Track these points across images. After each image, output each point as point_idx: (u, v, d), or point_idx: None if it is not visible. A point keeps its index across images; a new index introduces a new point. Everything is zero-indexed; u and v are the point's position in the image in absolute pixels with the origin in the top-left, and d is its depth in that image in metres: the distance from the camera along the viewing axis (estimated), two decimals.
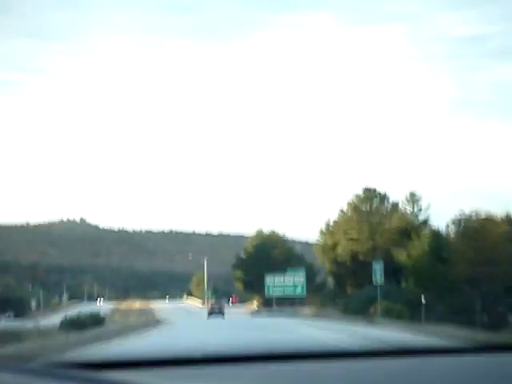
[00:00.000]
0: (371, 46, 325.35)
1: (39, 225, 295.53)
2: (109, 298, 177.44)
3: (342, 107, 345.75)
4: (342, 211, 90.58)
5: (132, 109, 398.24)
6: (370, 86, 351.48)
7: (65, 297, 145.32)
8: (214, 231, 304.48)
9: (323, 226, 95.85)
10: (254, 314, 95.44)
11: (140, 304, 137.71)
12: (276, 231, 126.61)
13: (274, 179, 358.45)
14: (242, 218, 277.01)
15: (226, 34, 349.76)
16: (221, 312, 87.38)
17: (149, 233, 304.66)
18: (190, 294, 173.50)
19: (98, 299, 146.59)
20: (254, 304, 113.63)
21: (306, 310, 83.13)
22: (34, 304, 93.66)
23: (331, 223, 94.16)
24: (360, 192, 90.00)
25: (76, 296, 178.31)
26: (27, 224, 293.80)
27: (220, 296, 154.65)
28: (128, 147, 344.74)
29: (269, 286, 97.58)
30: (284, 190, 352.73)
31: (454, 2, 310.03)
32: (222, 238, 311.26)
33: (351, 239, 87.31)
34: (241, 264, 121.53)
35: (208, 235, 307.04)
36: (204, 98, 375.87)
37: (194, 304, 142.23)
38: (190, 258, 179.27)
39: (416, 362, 3.37)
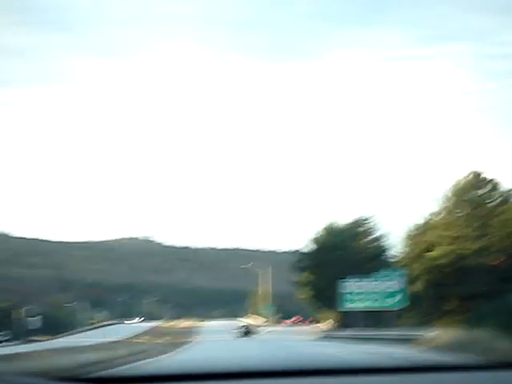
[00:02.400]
0: (435, 65, 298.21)
1: (102, 242, 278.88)
2: (168, 317, 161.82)
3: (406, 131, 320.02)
4: (440, 201, 65.49)
5: (198, 128, 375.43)
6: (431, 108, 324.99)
7: (103, 315, 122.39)
8: (280, 249, 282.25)
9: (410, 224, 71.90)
10: (321, 337, 72.30)
11: (189, 323, 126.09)
12: (364, 216, 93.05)
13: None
14: (310, 234, 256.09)
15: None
16: (249, 332, 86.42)
17: (213, 250, 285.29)
18: (253, 311, 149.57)
19: (135, 318, 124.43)
20: (325, 323, 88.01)
21: (427, 333, 45.41)
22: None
23: (424, 218, 69.10)
24: (465, 177, 64.69)
25: (132, 315, 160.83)
26: (89, 241, 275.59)
27: (285, 315, 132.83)
28: (194, 166, 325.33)
29: (345, 296, 71.09)
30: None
31: None
32: (289, 256, 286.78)
33: (454, 237, 61.88)
34: (305, 263, 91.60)
35: (272, 252, 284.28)
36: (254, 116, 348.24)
37: (253, 322, 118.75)
38: (250, 265, 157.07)
39: (430, 378, 3.21)
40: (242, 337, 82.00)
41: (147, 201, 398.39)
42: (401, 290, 68.01)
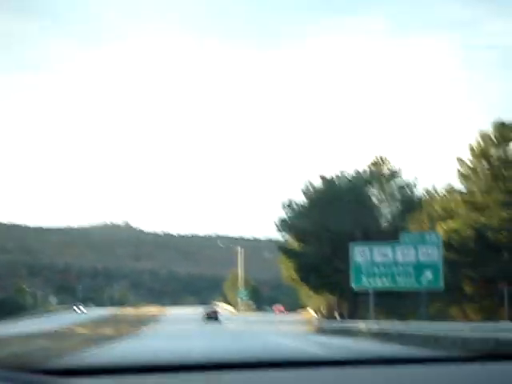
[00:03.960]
0: (420, 53, 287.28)
1: (80, 228, 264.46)
2: (139, 303, 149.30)
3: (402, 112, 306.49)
4: (460, 160, 47.66)
5: (181, 115, 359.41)
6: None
7: (53, 301, 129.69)
8: (262, 236, 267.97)
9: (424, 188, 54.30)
10: (318, 329, 54.26)
11: (154, 310, 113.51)
12: (383, 158, 67.63)
13: None
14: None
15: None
16: (215, 318, 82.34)
17: (194, 237, 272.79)
18: (225, 299, 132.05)
19: (78, 306, 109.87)
20: (317, 310, 68.58)
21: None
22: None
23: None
24: (489, 129, 46.85)
25: (102, 301, 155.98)
26: (68, 227, 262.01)
27: (262, 304, 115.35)
28: (176, 153, 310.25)
29: (359, 268, 46.75)
30: None
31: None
32: (270, 244, 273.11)
33: (477, 204, 44.11)
34: (292, 225, 67.37)
35: (256, 240, 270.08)
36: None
37: (222, 310, 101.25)
38: (222, 245, 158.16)
39: (411, 371, 3.14)
40: (204, 321, 77.83)
41: (129, 187, 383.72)
42: (436, 263, 45.45)
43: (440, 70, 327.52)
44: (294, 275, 65.87)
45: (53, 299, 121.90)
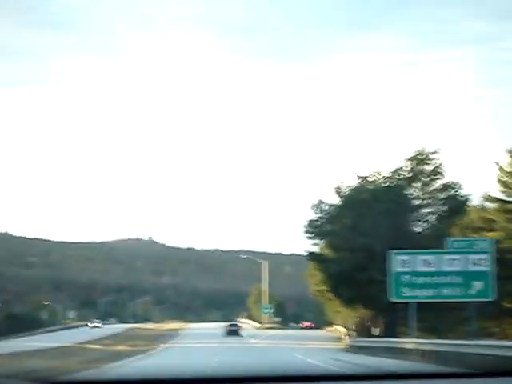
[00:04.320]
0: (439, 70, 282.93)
1: (104, 242, 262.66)
2: (162, 319, 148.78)
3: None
4: (499, 166, 44.34)
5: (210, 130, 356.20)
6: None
7: (73, 315, 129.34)
8: (286, 251, 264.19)
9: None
10: (350, 347, 51.27)
11: (175, 326, 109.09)
12: (425, 153, 59.19)
13: None
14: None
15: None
16: (237, 333, 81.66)
17: (217, 252, 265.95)
18: (249, 315, 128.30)
19: (93, 321, 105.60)
20: (347, 326, 64.35)
21: None
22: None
23: None
24: None
25: (124, 316, 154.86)
26: (92, 242, 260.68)
27: (287, 320, 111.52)
28: (199, 168, 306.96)
29: (400, 279, 42.19)
30: None
31: None
32: (294, 259, 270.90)
33: None
34: (323, 228, 60.33)
35: (279, 255, 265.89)
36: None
37: (246, 326, 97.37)
38: (243, 256, 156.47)
39: None
40: (226, 336, 77.63)
41: (153, 202, 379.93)
42: (487, 272, 41.45)
43: (464, 86, 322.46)
44: (322, 287, 61.94)
45: (72, 314, 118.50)
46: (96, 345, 50.77)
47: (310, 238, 60.77)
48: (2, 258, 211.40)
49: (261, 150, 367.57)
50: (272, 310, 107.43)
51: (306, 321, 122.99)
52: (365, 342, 49.63)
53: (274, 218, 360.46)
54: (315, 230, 60.11)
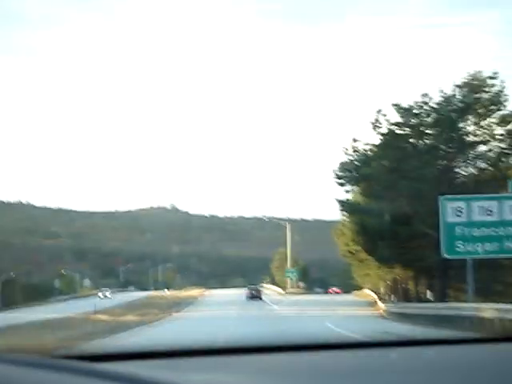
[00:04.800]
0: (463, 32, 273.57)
1: (127, 211, 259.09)
2: (184, 286, 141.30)
3: None
4: None
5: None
6: None
7: (87, 283, 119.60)
8: (309, 217, 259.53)
9: None
10: (391, 313, 43.92)
11: (195, 293, 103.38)
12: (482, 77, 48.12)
13: None
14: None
15: None
16: (258, 296, 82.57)
17: (241, 218, 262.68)
18: (273, 280, 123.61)
19: (103, 291, 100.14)
20: (378, 290, 58.42)
21: None
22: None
23: None
24: None
25: (147, 284, 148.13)
26: (115, 211, 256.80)
27: (312, 285, 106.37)
28: (221, 134, 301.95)
29: (454, 230, 34.54)
30: None
31: None
32: (318, 224, 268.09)
33: None
34: (358, 171, 49.86)
35: (303, 221, 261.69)
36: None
37: (269, 292, 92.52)
38: (266, 219, 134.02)
39: (430, 352, 3.00)
40: (247, 300, 77.78)
41: (176, 171, 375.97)
42: None
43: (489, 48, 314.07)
44: (354, 247, 55.64)
45: (87, 282, 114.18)
46: (103, 315, 46.90)
47: (341, 184, 50.42)
48: (25, 228, 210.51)
49: (283, 110, 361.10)
50: (296, 274, 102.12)
51: (332, 286, 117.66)
52: (411, 307, 41.61)
53: (297, 184, 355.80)
54: (348, 174, 49.92)
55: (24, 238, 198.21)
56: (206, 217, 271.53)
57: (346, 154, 48.93)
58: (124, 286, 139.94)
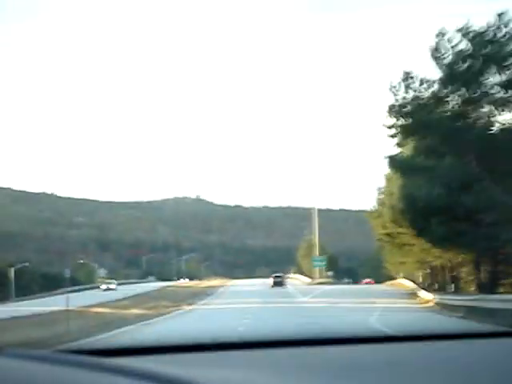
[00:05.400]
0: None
1: (151, 201, 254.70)
2: (207, 276, 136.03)
3: None
4: None
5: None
6: None
7: (103, 274, 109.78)
8: (335, 207, 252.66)
9: None
10: (445, 305, 36.57)
11: (216, 283, 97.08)
12: None
13: None
14: (364, 192, 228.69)
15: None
16: (282, 283, 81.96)
17: (265, 208, 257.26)
18: (299, 270, 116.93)
19: (109, 283, 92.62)
20: (417, 279, 51.25)
21: None
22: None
23: None
24: None
25: (167, 275, 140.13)
26: (139, 201, 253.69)
27: (340, 275, 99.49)
28: (245, 125, 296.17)
29: None
30: None
31: None
32: (343, 214, 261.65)
33: None
34: (413, 116, 36.39)
35: (328, 210, 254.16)
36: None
37: (295, 282, 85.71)
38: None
39: (455, 346, 2.94)
40: (273, 287, 77.73)
41: (200, 160, 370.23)
42: None
43: None
44: (395, 228, 47.33)
45: (102, 272, 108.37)
46: (106, 308, 41.99)
47: (392, 135, 38.70)
48: (48, 218, 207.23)
49: (308, 97, 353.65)
50: (324, 263, 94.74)
51: (360, 276, 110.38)
52: (483, 300, 30.74)
53: (322, 173, 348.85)
54: (400, 121, 37.35)
55: (47, 228, 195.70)
56: (231, 206, 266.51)
57: (395, 94, 36.63)
58: (144, 276, 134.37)
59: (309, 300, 49.49)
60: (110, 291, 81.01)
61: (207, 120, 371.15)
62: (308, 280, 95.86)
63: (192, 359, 2.43)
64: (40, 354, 1.53)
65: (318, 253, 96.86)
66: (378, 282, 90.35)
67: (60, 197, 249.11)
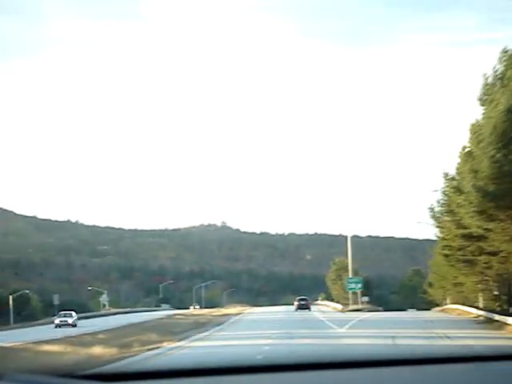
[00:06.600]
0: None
1: (177, 229, 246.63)
2: (224, 305, 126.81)
3: None
4: None
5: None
6: None
7: (105, 301, 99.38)
8: (362, 233, 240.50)
9: None
10: None
11: (232, 310, 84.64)
12: None
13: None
14: (392, 218, 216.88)
15: None
16: (307, 307, 79.10)
17: (292, 235, 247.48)
18: (328, 296, 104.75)
19: (64, 315, 71.98)
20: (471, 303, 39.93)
21: None
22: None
23: None
24: None
25: (191, 302, 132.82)
26: (165, 229, 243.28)
27: (374, 303, 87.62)
28: (272, 152, 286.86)
29: None
30: None
31: None
32: (371, 241, 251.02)
33: None
34: None
35: (355, 237, 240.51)
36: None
37: (325, 309, 73.39)
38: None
39: (463, 368, 2.93)
40: (296, 310, 75.54)
41: (228, 187, 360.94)
42: None
43: None
44: (484, 220, 34.62)
45: (104, 299, 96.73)
46: (60, 344, 32.44)
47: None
48: (72, 246, 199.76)
49: (331, 134, 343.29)
50: (360, 285, 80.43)
51: (391, 303, 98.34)
52: None
53: (351, 200, 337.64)
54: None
55: (69, 256, 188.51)
56: (257, 234, 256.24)
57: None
58: (160, 304, 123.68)
59: (347, 331, 37.94)
60: (66, 327, 60.64)
61: (234, 147, 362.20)
62: (339, 306, 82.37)
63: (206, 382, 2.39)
64: (42, 379, 1.49)
65: (351, 275, 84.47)
66: (419, 309, 77.11)
67: (85, 225, 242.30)
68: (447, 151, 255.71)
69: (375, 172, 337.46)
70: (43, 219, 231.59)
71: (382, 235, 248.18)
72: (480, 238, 36.35)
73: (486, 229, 34.67)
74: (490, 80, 31.96)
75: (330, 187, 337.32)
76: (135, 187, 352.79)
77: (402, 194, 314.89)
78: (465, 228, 37.57)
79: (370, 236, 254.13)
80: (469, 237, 37.86)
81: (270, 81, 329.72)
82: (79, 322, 62.85)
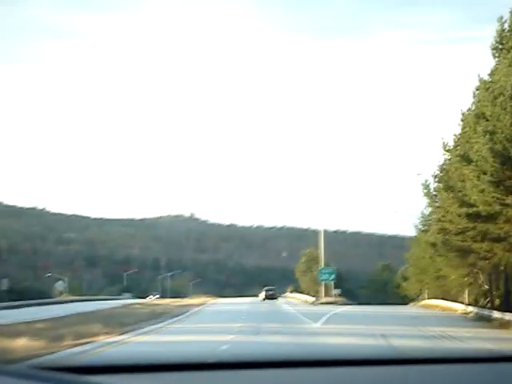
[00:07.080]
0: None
1: (144, 219, 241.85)
2: (191, 295, 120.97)
3: None
4: None
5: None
6: None
7: (61, 288, 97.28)
8: (331, 228, 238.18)
9: None
10: None
11: (195, 301, 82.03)
12: None
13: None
14: (361, 213, 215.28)
15: None
16: (275, 298, 78.19)
17: (259, 228, 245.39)
18: (297, 288, 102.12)
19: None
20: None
21: None
22: None
23: None
24: None
25: (154, 291, 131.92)
26: (132, 218, 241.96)
27: (346, 297, 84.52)
28: (240, 142, 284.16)
29: None
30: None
31: None
32: (339, 235, 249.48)
33: None
34: None
35: (324, 232, 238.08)
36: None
37: (294, 301, 70.49)
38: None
39: (454, 369, 2.87)
40: (264, 300, 73.89)
41: (196, 178, 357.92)
42: None
43: None
44: (499, 192, 29.86)
45: (61, 286, 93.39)
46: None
47: None
48: (38, 234, 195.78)
49: (302, 126, 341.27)
50: (334, 276, 76.20)
51: (360, 297, 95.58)
52: None
53: (319, 193, 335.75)
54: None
55: (35, 243, 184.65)
56: (224, 226, 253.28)
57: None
58: (120, 292, 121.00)
59: (324, 327, 34.26)
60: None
61: (202, 137, 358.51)
62: (311, 299, 78.17)
63: (170, 378, 2.33)
64: (17, 370, 1.47)
65: (323, 265, 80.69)
66: (393, 303, 73.58)
67: (51, 212, 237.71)
68: (420, 145, 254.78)
69: (343, 166, 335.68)
70: (9, 205, 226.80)
71: (350, 230, 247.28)
72: (488, 218, 31.47)
73: (501, 204, 29.52)
74: (506, 26, 28.00)
75: (299, 181, 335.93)
76: (104, 176, 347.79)
77: (371, 188, 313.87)
78: (470, 206, 32.50)
79: (337, 231, 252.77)
80: (475, 216, 32.69)
81: (249, 74, 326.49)
82: (25, 310, 58.39)
